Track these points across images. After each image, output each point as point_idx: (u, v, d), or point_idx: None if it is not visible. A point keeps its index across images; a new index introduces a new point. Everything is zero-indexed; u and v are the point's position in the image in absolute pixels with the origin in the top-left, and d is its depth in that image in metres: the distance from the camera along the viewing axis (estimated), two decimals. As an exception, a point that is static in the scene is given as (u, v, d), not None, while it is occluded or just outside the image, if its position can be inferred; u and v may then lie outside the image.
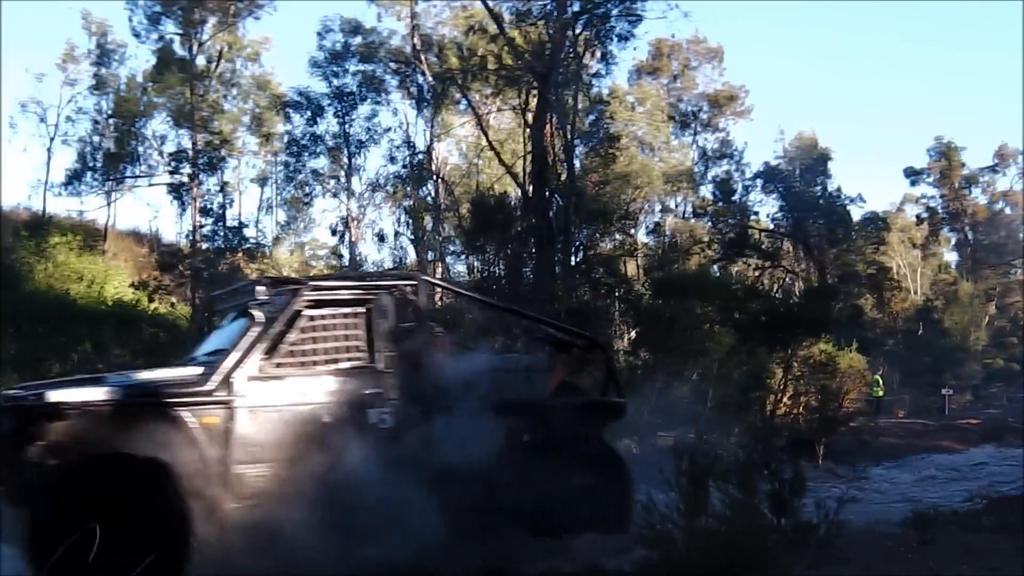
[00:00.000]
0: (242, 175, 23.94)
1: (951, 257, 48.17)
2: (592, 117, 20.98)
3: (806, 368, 18.90)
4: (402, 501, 6.28)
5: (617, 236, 19.22)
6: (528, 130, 18.82)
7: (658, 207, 27.62)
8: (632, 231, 20.42)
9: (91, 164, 24.77)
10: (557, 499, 6.82)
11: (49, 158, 30.35)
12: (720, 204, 27.17)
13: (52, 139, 29.91)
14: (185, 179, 22.67)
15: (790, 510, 5.85)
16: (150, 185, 24.89)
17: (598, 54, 19.39)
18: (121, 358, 19.21)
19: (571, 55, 18.85)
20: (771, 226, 24.96)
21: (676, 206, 30.51)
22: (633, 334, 19.16)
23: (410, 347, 6.92)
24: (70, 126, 28.46)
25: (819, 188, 28.15)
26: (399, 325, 6.94)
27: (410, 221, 20.55)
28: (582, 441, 7.30)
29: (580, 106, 19.76)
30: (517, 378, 7.31)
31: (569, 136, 18.75)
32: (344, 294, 7.01)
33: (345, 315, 6.88)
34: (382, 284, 7.19)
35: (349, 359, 6.74)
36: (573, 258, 18.49)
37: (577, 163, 19.61)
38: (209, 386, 6.18)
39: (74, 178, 24.62)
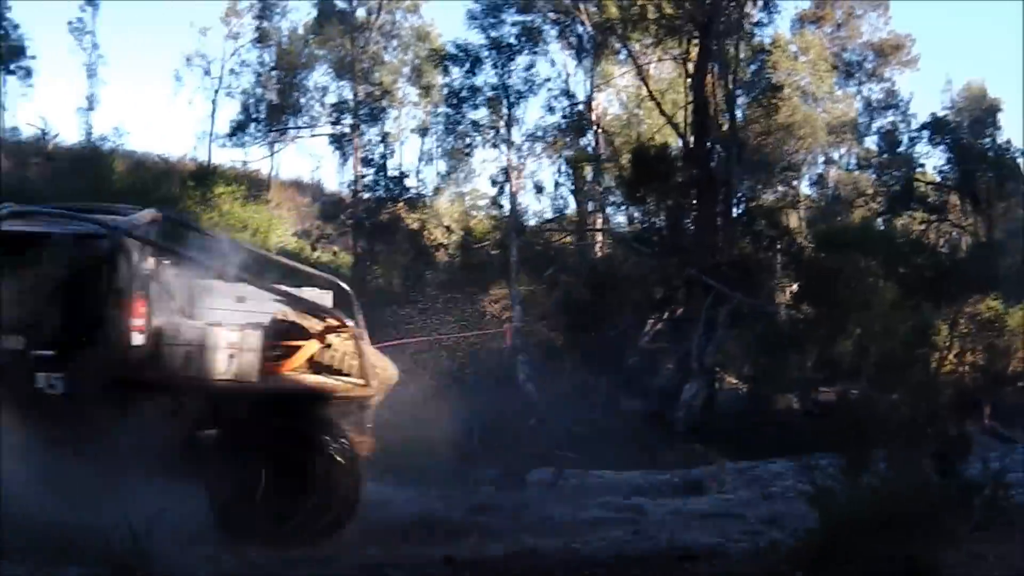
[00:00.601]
0: (402, 126, 25.05)
1: None
2: (754, 67, 21.47)
3: (973, 325, 19.37)
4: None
5: (779, 187, 20.00)
6: (689, 80, 19.35)
7: (821, 158, 28.02)
8: (794, 183, 21.06)
9: (254, 116, 26.67)
10: (240, 503, 6.35)
11: (214, 110, 32.54)
12: (885, 156, 27.36)
13: (216, 92, 32.19)
14: (346, 130, 24.15)
15: (955, 469, 5.98)
16: (312, 136, 26.32)
17: (759, 2, 19.81)
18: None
19: (732, 3, 19.28)
20: (938, 179, 25.18)
21: (840, 158, 30.76)
22: (795, 287, 19.68)
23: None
24: (234, 79, 30.47)
25: (988, 140, 28.07)
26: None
27: (570, 172, 21.79)
28: (266, 435, 6.63)
29: (741, 55, 20.17)
30: (194, 354, 6.59)
31: (731, 86, 19.23)
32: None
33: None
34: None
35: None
36: (734, 210, 19.07)
37: (739, 113, 20.11)
38: None
39: (238, 129, 26.56)
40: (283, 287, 7.24)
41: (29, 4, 52.19)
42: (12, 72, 33.28)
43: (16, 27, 32.57)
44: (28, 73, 33.46)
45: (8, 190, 25.44)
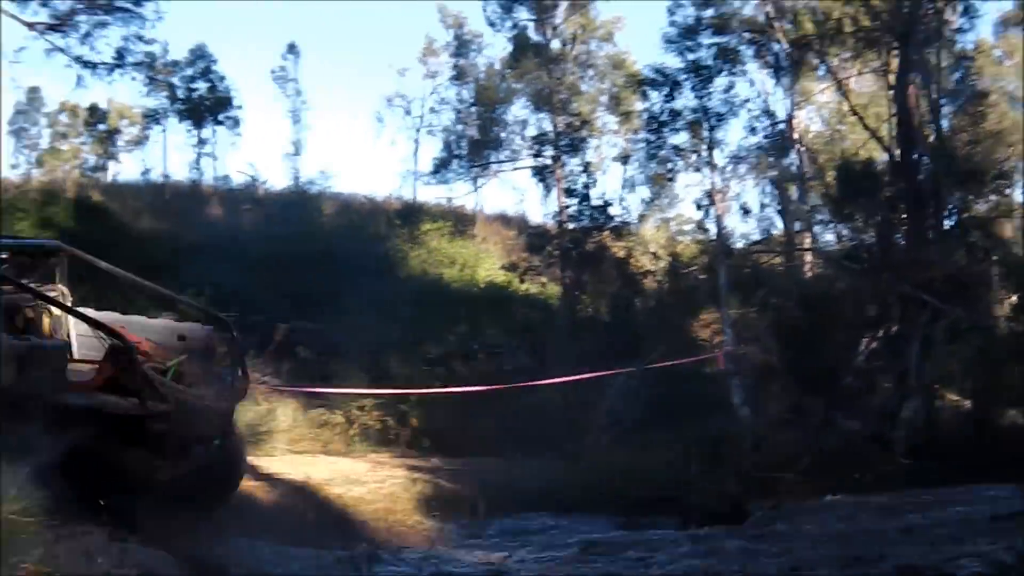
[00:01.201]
0: (603, 154, 26.70)
1: None
2: (957, 74, 21.83)
3: None
4: None
5: (991, 197, 20.46)
6: (891, 92, 19.72)
7: (1034, 165, 28.13)
8: (1007, 191, 21.49)
9: (456, 152, 28.93)
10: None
11: (416, 149, 35.23)
12: (1103, 158, 27.18)
13: (418, 130, 34.83)
14: (548, 162, 25.72)
15: None
16: (514, 169, 28.08)
17: (960, 7, 20.09)
18: (494, 337, 23.06)
19: (931, 11, 19.55)
20: None
21: (1054, 163, 30.72)
22: (1014, 299, 19.84)
23: None
24: (434, 117, 33.03)
25: None
26: None
27: (775, 192, 22.89)
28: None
29: (944, 63, 20.57)
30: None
31: (934, 95, 19.66)
32: None
33: None
34: None
35: None
36: (946, 222, 19.26)
37: (944, 123, 20.46)
38: None
39: (441, 166, 28.68)
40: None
41: (233, 56, 56.85)
42: (221, 123, 36.84)
43: (222, 79, 36.12)
44: (236, 123, 36.93)
45: (223, 236, 28.56)
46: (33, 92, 35.87)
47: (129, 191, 34.88)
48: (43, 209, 27.28)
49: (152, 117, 35.73)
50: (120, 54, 15.19)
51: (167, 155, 42.56)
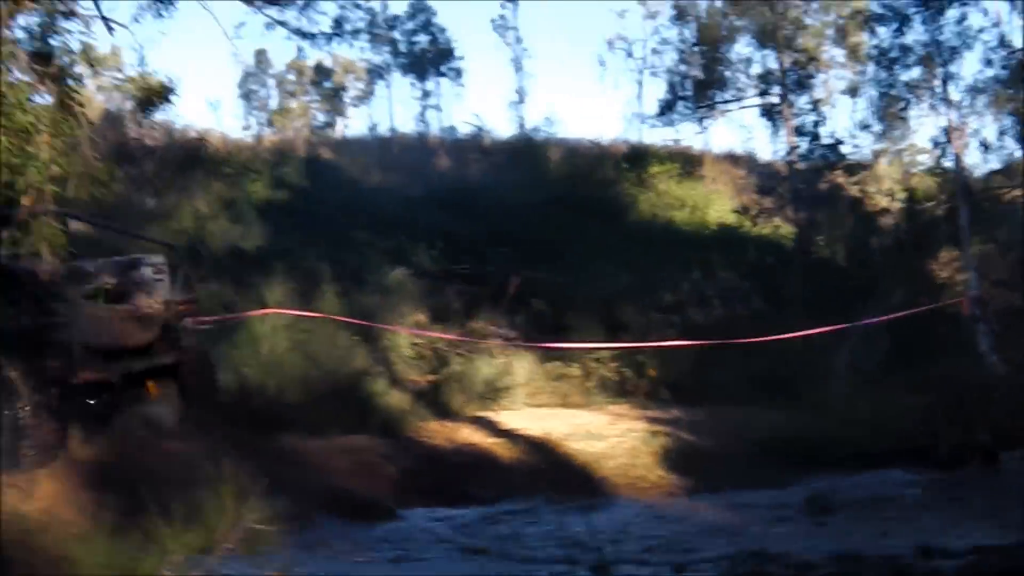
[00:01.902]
0: (832, 87, 26.76)
1: None
2: None
3: None
4: None
5: None
6: None
7: None
8: None
9: (681, 93, 29.93)
10: None
11: (640, 91, 36.56)
12: None
13: (641, 73, 36.08)
14: (775, 100, 26.16)
15: None
16: (740, 108, 28.47)
17: None
18: (728, 281, 23.88)
19: None
20: None
21: None
22: None
23: None
24: (656, 58, 33.94)
25: None
26: None
27: (1016, 124, 22.76)
28: None
29: None
30: None
31: None
32: None
33: None
34: None
35: None
36: None
37: None
38: None
39: (666, 108, 29.63)
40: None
41: (453, 7, 58.96)
42: (444, 74, 38.95)
43: (443, 31, 38.17)
44: (458, 74, 38.90)
45: (452, 187, 30.52)
46: (260, 55, 38.66)
47: (358, 146, 37.25)
48: (275, 169, 29.73)
49: (376, 73, 38.07)
50: (338, 23, 16.77)
51: (393, 109, 44.95)
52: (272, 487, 10.75)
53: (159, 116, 35.93)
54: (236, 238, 24.09)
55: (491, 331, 19.47)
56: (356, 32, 17.49)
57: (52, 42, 7.00)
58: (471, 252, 24.63)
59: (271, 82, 38.91)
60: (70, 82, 7.31)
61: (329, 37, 16.06)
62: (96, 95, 34.36)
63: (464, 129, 36.73)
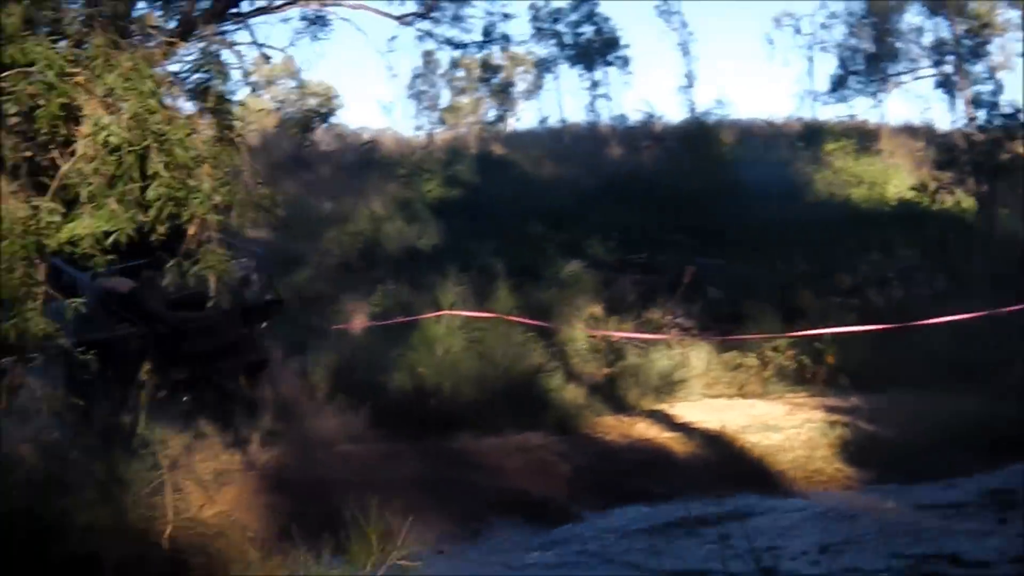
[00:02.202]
0: (1009, 53, 25.78)
1: None
2: None
3: None
4: None
5: None
6: None
7: None
8: None
9: (852, 67, 29.36)
10: None
11: (810, 67, 35.90)
12: None
13: (810, 48, 35.47)
14: (949, 69, 25.97)
15: None
16: (915, 79, 28.57)
17: None
18: (909, 259, 23.08)
19: None
20: None
21: None
22: None
23: None
24: (825, 33, 33.54)
25: None
26: None
27: None
28: None
29: None
30: None
31: None
32: None
33: None
34: None
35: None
36: None
37: None
38: None
39: (838, 83, 29.29)
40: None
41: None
42: (611, 63, 38.95)
43: (607, 20, 38.17)
44: (625, 62, 38.85)
45: (624, 176, 30.47)
46: (428, 55, 39.33)
47: (529, 140, 37.56)
48: (448, 167, 30.21)
49: (544, 66, 38.33)
50: (487, 31, 16.99)
51: (562, 101, 45.31)
52: (447, 488, 11.02)
53: (333, 121, 37.12)
54: (412, 238, 24.54)
55: (667, 321, 19.30)
56: (506, 38, 17.49)
57: (209, 75, 7.22)
58: (646, 241, 24.55)
59: (440, 81, 39.33)
60: (229, 111, 7.53)
61: (480, 45, 16.22)
62: (271, 105, 35.62)
63: (634, 116, 36.50)
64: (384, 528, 9.32)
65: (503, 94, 38.07)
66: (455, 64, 39.23)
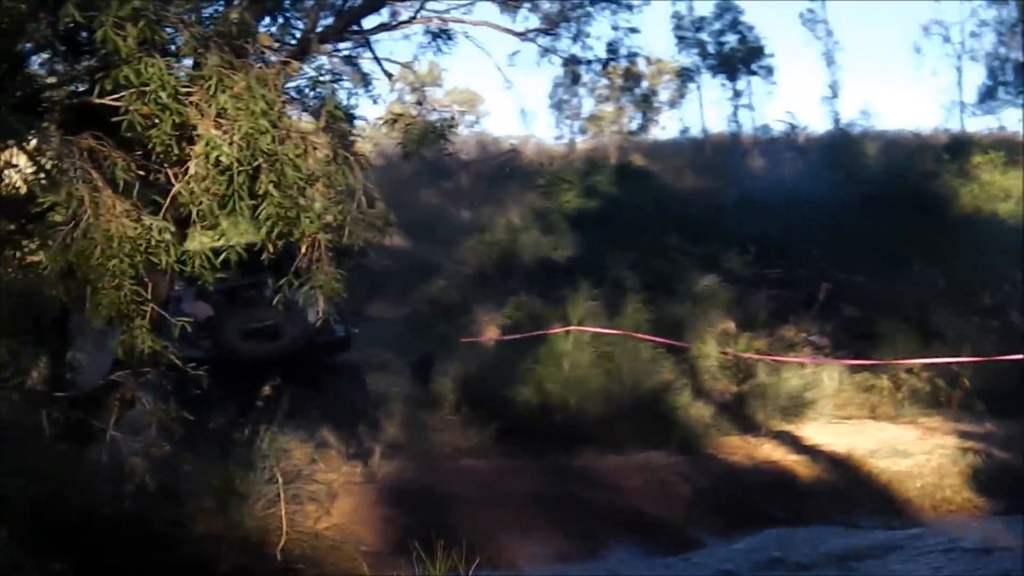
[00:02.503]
0: None
1: None
2: None
3: None
4: None
5: None
6: None
7: None
8: None
9: (1002, 78, 28.38)
10: None
11: (959, 78, 34.87)
12: None
13: (959, 58, 34.39)
14: None
15: None
16: None
17: None
18: None
19: None
20: None
21: None
22: None
23: None
24: (975, 42, 32.60)
25: None
26: None
27: None
28: None
29: None
30: None
31: None
32: None
33: None
34: None
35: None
36: None
37: None
38: None
39: (987, 94, 28.40)
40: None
41: (760, 5, 58.09)
42: (754, 73, 38.42)
43: (751, 29, 37.68)
44: (769, 71, 38.30)
45: (765, 188, 30.00)
46: (569, 63, 39.20)
47: (670, 150, 37.31)
48: (587, 177, 30.12)
49: (687, 75, 38.03)
50: (611, 47, 16.85)
51: (704, 111, 44.87)
52: (565, 507, 10.97)
53: (475, 129, 37.41)
54: (547, 250, 24.55)
55: (800, 339, 18.91)
56: (632, 55, 17.29)
57: (324, 92, 7.30)
58: (783, 255, 24.11)
59: (581, 90, 39.28)
60: (345, 129, 7.62)
61: (604, 63, 16.12)
62: (412, 111, 35.99)
63: (777, 127, 35.94)
64: (497, 545, 9.35)
65: (645, 104, 37.76)
66: (599, 71, 39.02)
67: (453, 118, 10.17)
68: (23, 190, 7.31)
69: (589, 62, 16.46)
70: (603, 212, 27.98)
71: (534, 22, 15.43)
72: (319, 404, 14.33)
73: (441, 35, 12.99)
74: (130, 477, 8.00)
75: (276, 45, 6.83)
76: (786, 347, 18.10)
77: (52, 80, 7.20)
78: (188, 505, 8.58)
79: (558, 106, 39.70)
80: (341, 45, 11.88)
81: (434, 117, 9.96)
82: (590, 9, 15.59)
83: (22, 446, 7.18)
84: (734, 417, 15.17)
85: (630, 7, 16.05)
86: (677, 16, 36.54)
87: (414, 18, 12.41)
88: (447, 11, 12.96)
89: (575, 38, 15.85)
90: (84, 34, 6.68)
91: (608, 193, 29.63)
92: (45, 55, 7.27)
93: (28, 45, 7.03)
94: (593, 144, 37.50)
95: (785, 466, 12.93)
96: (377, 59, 12.56)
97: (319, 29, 10.64)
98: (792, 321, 19.57)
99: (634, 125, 38.34)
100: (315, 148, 6.91)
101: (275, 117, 6.48)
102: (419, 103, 17.71)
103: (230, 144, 6.30)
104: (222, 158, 6.29)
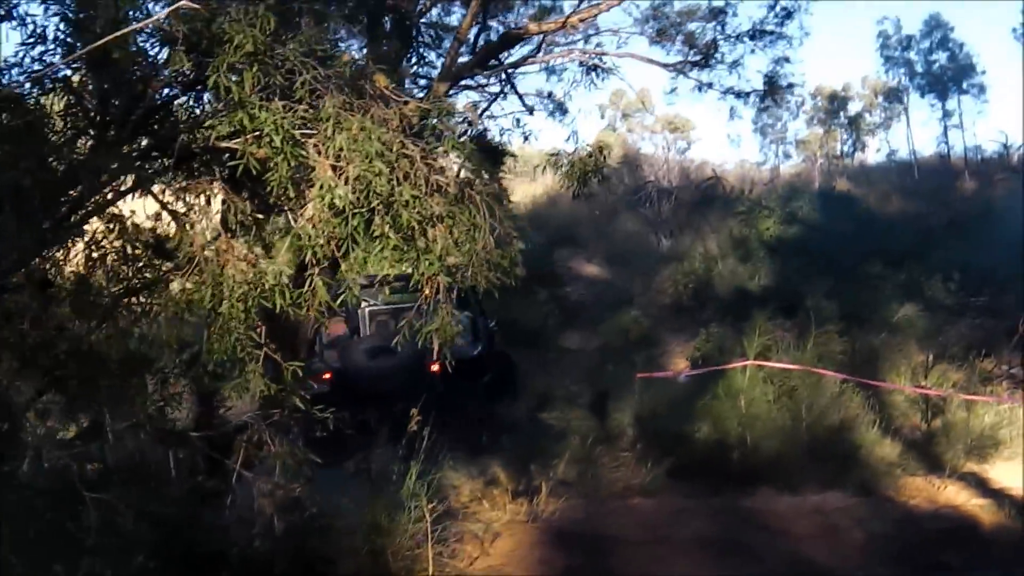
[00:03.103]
0: None
1: None
2: None
3: None
4: None
5: None
6: None
7: None
8: None
9: None
10: None
11: None
12: None
13: None
14: None
15: None
16: None
17: None
18: None
19: None
20: None
21: None
22: None
23: None
24: None
25: None
26: None
27: None
28: None
29: None
30: None
31: None
32: None
33: None
34: None
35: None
36: None
37: None
38: None
39: None
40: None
41: (969, 20, 55.76)
42: (965, 92, 36.92)
43: (961, 46, 36.21)
44: (981, 90, 36.82)
45: (974, 212, 28.67)
46: (768, 87, 38.37)
47: (877, 174, 36.16)
48: (788, 204, 29.48)
49: (894, 96, 36.81)
50: (770, 80, 16.43)
51: (912, 132, 43.30)
52: (732, 551, 10.73)
53: (685, 156, 37.11)
54: (743, 278, 24.15)
55: (1000, 372, 17.95)
56: (791, 86, 16.85)
57: (443, 130, 7.27)
58: (990, 282, 23.05)
59: (786, 115, 38.52)
60: (477, 167, 7.61)
61: (762, 95, 15.79)
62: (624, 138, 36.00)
63: (989, 148, 34.34)
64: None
65: (851, 127, 36.73)
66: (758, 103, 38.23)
67: (604, 152, 10.02)
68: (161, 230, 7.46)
69: (747, 94, 16.13)
70: (803, 239, 27.35)
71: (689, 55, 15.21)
72: (490, 437, 14.49)
73: (594, 69, 12.97)
74: (260, 517, 8.13)
75: (393, 85, 6.79)
76: (983, 380, 17.13)
77: (177, 121, 7.35)
78: (331, 544, 8.72)
79: (762, 131, 38.97)
80: (481, 80, 11.97)
81: (588, 152, 9.80)
82: (746, 41, 15.28)
83: (152, 486, 7.38)
84: (921, 456, 14.46)
85: (786, 38, 15.70)
86: (884, 36, 35.34)
87: (539, 52, 12.45)
88: (598, 45, 12.95)
89: (731, 69, 15.57)
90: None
91: (809, 219, 28.95)
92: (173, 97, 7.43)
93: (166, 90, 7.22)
94: (798, 169, 36.63)
95: (968, 511, 12.25)
96: (518, 94, 12.63)
97: (459, 64, 10.70)
98: (992, 352, 18.51)
99: (838, 150, 37.20)
100: (439, 188, 6.83)
101: (393, 159, 6.47)
102: (573, 135, 17.61)
103: (343, 187, 6.32)
104: (336, 201, 6.31)
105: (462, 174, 7.20)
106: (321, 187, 6.29)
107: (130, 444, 7.27)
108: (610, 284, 27.50)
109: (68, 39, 6.70)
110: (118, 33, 6.22)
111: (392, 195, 6.41)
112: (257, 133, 6.29)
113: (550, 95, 15.42)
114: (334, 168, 6.32)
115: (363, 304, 16.58)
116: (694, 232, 30.06)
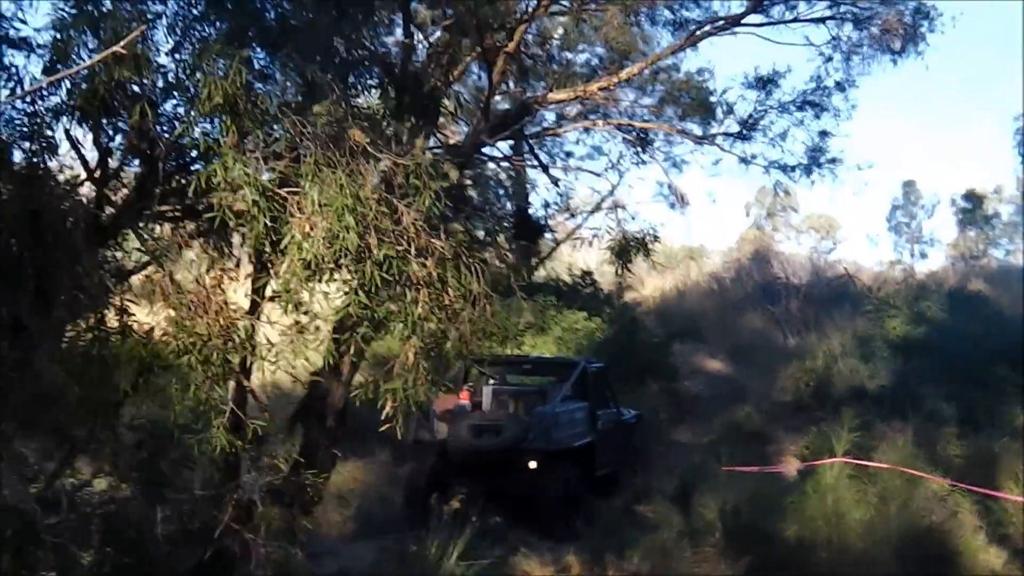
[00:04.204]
0: None
1: None
2: None
3: None
4: None
5: None
6: None
7: None
8: None
9: None
10: None
11: None
12: None
13: None
14: None
15: None
16: None
17: None
18: None
19: None
20: None
21: None
22: None
23: None
24: None
25: None
26: None
27: None
28: None
29: None
30: None
31: None
32: None
33: None
34: None
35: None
36: None
37: None
38: None
39: None
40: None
41: None
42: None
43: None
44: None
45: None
46: (908, 185, 37.44)
47: (1015, 275, 34.67)
48: (915, 303, 28.37)
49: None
50: (813, 153, 15.82)
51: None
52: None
53: (806, 253, 36.23)
54: (863, 378, 23.27)
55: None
56: (833, 160, 16.20)
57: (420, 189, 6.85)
58: None
59: (921, 213, 37.34)
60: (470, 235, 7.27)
61: (807, 168, 15.24)
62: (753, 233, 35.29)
63: None
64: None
65: (985, 225, 35.37)
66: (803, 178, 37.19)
67: (653, 231, 9.65)
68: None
69: (792, 168, 15.54)
70: (928, 339, 26.18)
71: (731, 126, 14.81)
72: (578, 526, 14.15)
73: (637, 142, 12.67)
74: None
75: (368, 140, 6.51)
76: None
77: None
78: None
79: (896, 229, 37.83)
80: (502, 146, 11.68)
81: (634, 228, 9.42)
82: (793, 114, 14.80)
83: (134, 543, 7.13)
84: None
85: (832, 111, 15.14)
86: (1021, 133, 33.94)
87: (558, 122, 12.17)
88: (633, 115, 12.64)
89: (773, 143, 15.08)
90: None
91: (936, 319, 27.75)
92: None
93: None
94: (934, 268, 35.37)
95: None
96: (541, 164, 12.37)
97: (483, 130, 10.45)
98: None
99: (975, 249, 35.85)
100: (428, 250, 6.49)
101: (370, 214, 6.17)
102: (615, 207, 17.25)
103: (313, 242, 6.05)
104: (305, 255, 6.05)
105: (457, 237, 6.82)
106: (292, 239, 6.04)
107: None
108: (730, 380, 26.76)
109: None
110: (51, 78, 6.11)
111: (361, 251, 6.10)
112: (231, 186, 6.07)
113: (670, 187, 15.24)
114: (310, 223, 6.06)
115: (490, 381, 16.35)
116: (822, 330, 29.13)
